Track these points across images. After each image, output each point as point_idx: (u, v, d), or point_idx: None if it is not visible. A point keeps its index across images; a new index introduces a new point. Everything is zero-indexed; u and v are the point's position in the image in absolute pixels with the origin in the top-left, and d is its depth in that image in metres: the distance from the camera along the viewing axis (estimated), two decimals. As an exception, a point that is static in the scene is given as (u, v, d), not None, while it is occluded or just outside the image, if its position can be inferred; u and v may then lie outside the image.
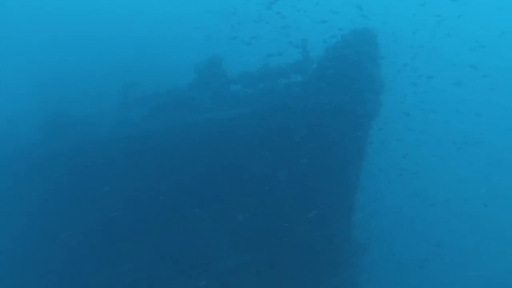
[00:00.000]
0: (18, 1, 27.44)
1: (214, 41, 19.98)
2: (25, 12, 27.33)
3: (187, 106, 12.64)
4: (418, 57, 21.72)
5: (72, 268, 13.60)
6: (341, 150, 11.34)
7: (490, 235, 25.76)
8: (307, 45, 12.74)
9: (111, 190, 12.89)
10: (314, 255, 12.33)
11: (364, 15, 14.09)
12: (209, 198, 12.42)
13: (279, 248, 12.15)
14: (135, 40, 21.32)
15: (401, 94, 18.80)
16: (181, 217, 12.53)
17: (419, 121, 21.21)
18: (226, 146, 11.77)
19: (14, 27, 25.58)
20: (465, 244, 24.37)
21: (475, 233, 25.27)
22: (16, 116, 17.48)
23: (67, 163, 13.53)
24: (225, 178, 12.12)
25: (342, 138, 11.20)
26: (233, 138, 11.65)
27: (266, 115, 11.32)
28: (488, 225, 25.72)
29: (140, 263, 12.79)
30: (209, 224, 12.52)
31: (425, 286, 22.74)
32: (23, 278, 14.51)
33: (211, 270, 12.28)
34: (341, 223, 12.34)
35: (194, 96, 12.85)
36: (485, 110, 30.48)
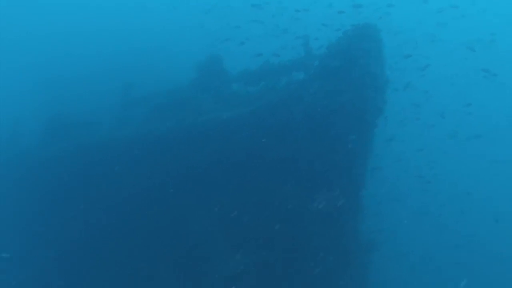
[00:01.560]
0: (15, 1, 27.35)
1: (214, 40, 19.82)
2: (22, 12, 27.25)
3: (188, 106, 12.46)
4: (418, 52, 21.41)
5: (74, 267, 13.53)
6: (345, 149, 11.14)
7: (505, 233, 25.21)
8: (308, 42, 12.53)
9: (112, 191, 12.82)
10: (320, 255, 12.15)
11: (362, 11, 13.87)
12: (212, 199, 12.25)
13: (284, 248, 11.98)
14: (135, 40, 21.23)
15: (402, 91, 18.56)
16: (183, 218, 12.38)
17: (424, 119, 20.89)
18: (228, 146, 11.59)
19: (12, 27, 25.52)
20: (480, 243, 23.86)
21: (490, 231, 24.72)
22: (17, 118, 17.46)
23: (68, 164, 13.44)
24: (228, 179, 11.94)
25: (345, 136, 11.00)
26: (235, 138, 11.46)
27: (268, 114, 11.12)
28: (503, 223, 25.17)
29: (142, 265, 12.67)
30: (212, 225, 12.37)
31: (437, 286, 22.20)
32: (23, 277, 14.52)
33: (214, 273, 12.14)
34: (347, 221, 12.16)
35: (196, 96, 12.68)
36: (486, 104, 30.26)
